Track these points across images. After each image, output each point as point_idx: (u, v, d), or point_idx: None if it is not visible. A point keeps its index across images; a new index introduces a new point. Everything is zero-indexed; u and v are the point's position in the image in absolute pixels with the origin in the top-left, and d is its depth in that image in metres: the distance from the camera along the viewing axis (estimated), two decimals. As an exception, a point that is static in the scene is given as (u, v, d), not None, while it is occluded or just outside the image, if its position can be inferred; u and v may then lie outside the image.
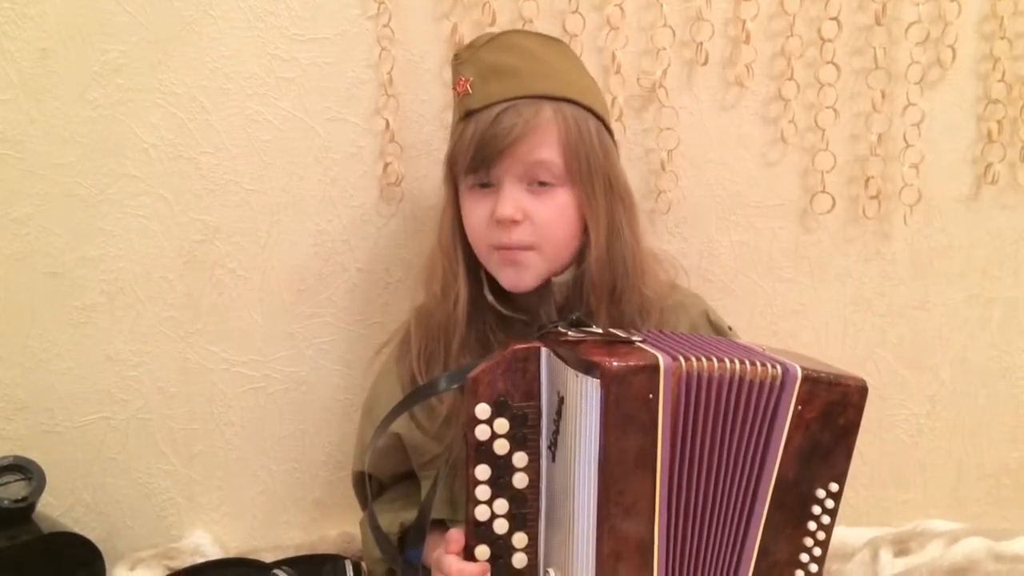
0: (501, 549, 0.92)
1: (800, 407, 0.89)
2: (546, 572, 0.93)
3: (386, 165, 1.28)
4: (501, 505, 0.91)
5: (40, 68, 1.23)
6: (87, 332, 1.30)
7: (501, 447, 0.89)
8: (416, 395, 1.02)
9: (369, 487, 1.14)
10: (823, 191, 1.31)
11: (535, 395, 0.90)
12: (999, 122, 1.30)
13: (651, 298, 1.08)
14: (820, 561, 0.95)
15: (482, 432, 0.89)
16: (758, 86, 1.29)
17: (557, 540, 0.91)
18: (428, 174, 1.29)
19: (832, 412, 0.90)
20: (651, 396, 0.84)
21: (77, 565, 1.20)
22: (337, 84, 1.26)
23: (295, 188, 1.29)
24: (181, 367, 1.32)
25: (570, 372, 0.85)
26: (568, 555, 0.89)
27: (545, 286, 1.06)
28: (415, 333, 1.13)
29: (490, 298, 1.07)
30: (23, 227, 1.26)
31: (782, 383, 0.89)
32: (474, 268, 1.09)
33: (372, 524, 1.04)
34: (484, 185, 1.05)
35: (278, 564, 1.25)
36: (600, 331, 0.92)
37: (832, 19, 1.26)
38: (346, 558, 1.26)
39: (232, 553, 1.33)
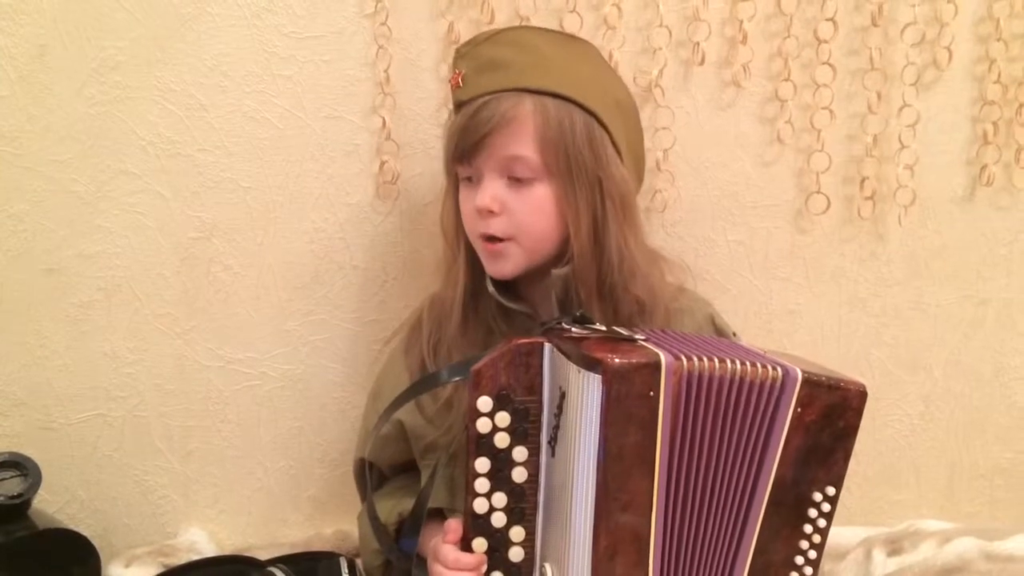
0: (498, 542, 0.92)
1: (800, 409, 0.90)
2: (542, 566, 0.93)
3: (383, 163, 1.29)
4: (500, 499, 0.91)
5: (38, 65, 1.22)
6: (84, 329, 1.29)
7: (502, 441, 0.90)
8: (419, 386, 1.03)
9: (369, 475, 1.14)
10: (819, 191, 1.32)
11: (537, 390, 0.90)
12: (994, 124, 1.31)
13: (649, 300, 1.08)
14: (815, 564, 0.96)
15: (483, 425, 0.89)
16: (755, 86, 1.30)
17: (554, 535, 0.91)
18: (424, 172, 1.29)
19: (831, 415, 0.91)
20: (652, 394, 0.85)
21: (72, 562, 1.19)
22: (334, 82, 1.27)
23: (292, 186, 1.29)
24: (177, 364, 1.32)
25: (572, 367, 0.86)
26: (565, 550, 0.89)
27: (546, 277, 1.07)
28: (427, 317, 1.14)
29: (491, 288, 1.08)
30: (20, 223, 1.26)
31: (782, 385, 0.90)
32: (474, 258, 1.10)
33: (371, 515, 1.04)
34: (470, 177, 1.07)
35: (273, 562, 1.25)
36: (603, 328, 0.93)
37: (828, 20, 1.27)
38: (341, 556, 1.25)
39: (227, 550, 1.33)
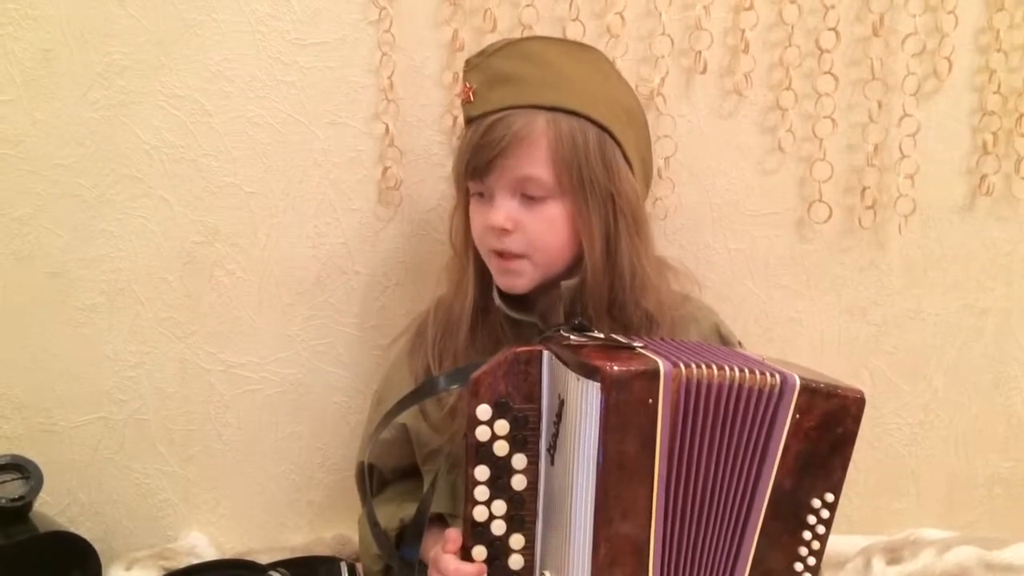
0: (498, 550, 0.92)
1: (798, 416, 0.90)
2: (542, 575, 0.93)
3: (385, 169, 1.29)
4: (499, 506, 0.91)
5: (43, 69, 1.23)
6: (86, 332, 1.30)
7: (501, 448, 0.90)
8: (418, 393, 1.03)
9: (369, 480, 1.14)
10: (820, 200, 1.32)
11: (536, 398, 0.90)
12: (994, 134, 1.32)
13: (657, 312, 1.08)
14: (814, 571, 0.96)
15: (482, 433, 0.89)
16: (756, 95, 1.30)
17: (554, 543, 0.91)
18: (427, 179, 1.30)
19: (830, 422, 0.91)
20: (651, 401, 0.85)
21: (73, 565, 1.19)
22: (338, 88, 1.27)
23: (295, 191, 1.29)
24: (179, 368, 1.32)
25: (571, 375, 0.86)
26: (564, 558, 0.89)
27: (555, 289, 1.07)
28: (433, 321, 1.14)
29: (498, 301, 1.08)
30: (24, 227, 1.26)
31: (780, 392, 0.90)
32: (484, 270, 1.10)
33: (371, 520, 1.04)
34: (481, 192, 1.06)
35: (274, 566, 1.26)
36: (602, 336, 0.93)
37: (830, 30, 1.28)
38: (341, 560, 1.26)
39: (228, 554, 1.34)
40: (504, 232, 1.03)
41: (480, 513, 0.91)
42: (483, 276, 1.10)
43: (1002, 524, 1.44)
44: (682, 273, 1.18)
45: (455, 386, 0.98)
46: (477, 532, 0.92)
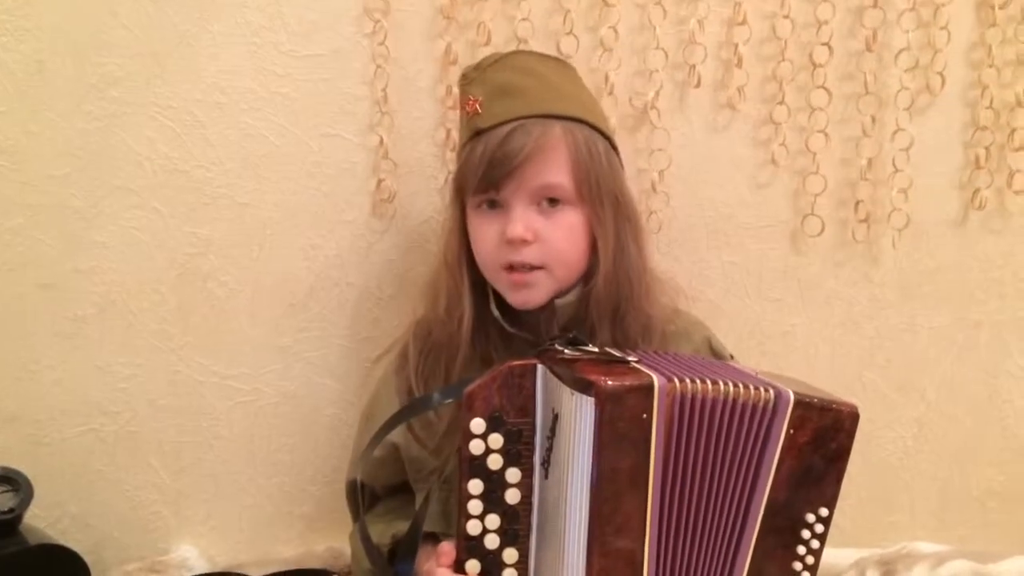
0: (491, 564, 0.92)
1: (792, 431, 0.90)
2: (536, 589, 0.93)
3: (379, 182, 1.29)
4: (493, 520, 0.91)
5: (36, 80, 1.23)
6: (78, 344, 1.29)
7: (495, 462, 0.90)
8: (411, 409, 1.02)
9: (361, 497, 1.13)
10: (813, 214, 1.32)
11: (530, 411, 0.90)
12: (987, 148, 1.32)
13: (654, 319, 1.09)
14: (809, 584, 0.96)
15: (476, 447, 0.89)
16: (750, 109, 1.31)
17: (548, 557, 0.91)
18: (421, 191, 1.30)
19: (824, 437, 0.91)
20: (645, 416, 0.85)
21: (63, 578, 1.19)
22: (332, 100, 1.27)
23: (288, 203, 1.29)
24: (171, 380, 1.32)
25: (565, 390, 0.86)
26: (558, 572, 0.89)
27: (548, 306, 1.06)
28: (413, 347, 1.13)
29: (495, 313, 1.07)
30: (16, 237, 1.26)
31: (775, 407, 0.90)
32: (480, 286, 1.09)
33: (363, 535, 1.04)
34: (493, 204, 1.05)
35: (265, 579, 1.25)
36: (596, 350, 0.93)
37: (823, 45, 1.28)
38: (333, 573, 1.25)
39: (219, 567, 1.33)
40: (523, 243, 1.02)
41: (474, 527, 0.91)
42: (480, 295, 1.09)
43: (996, 538, 1.44)
44: (670, 285, 1.18)
45: (450, 400, 0.98)
46: (471, 546, 0.91)
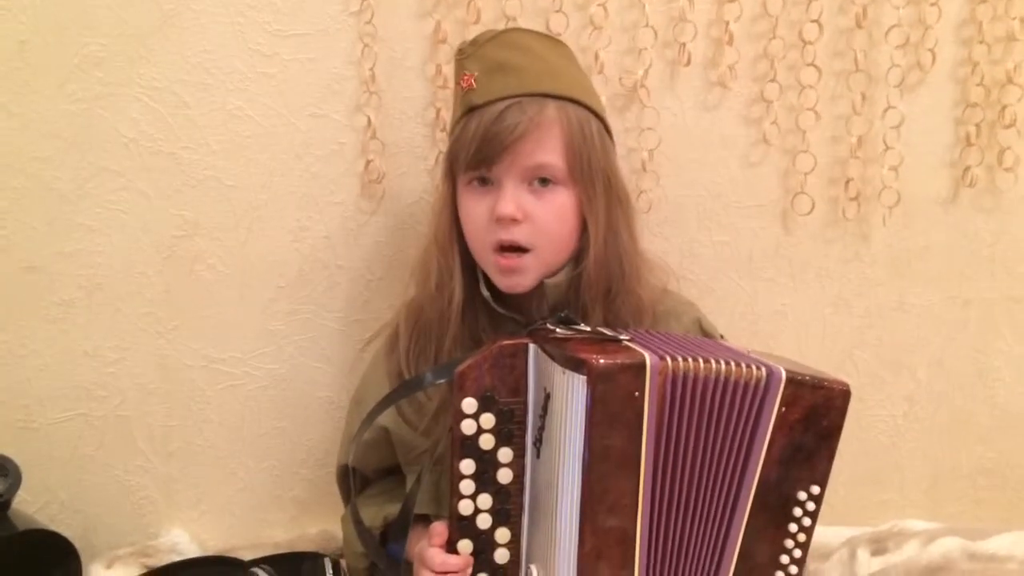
0: (484, 544, 0.92)
1: (784, 409, 0.90)
2: (528, 568, 0.93)
3: (368, 162, 1.28)
4: (485, 500, 0.91)
5: (19, 61, 1.21)
6: (64, 328, 1.28)
7: (487, 442, 0.90)
8: (403, 389, 1.02)
9: (353, 481, 1.13)
10: (803, 192, 1.32)
11: (522, 391, 0.90)
12: (977, 126, 1.32)
13: (645, 300, 1.08)
14: (800, 563, 0.96)
15: (468, 427, 0.89)
16: (740, 87, 1.30)
17: (540, 536, 0.91)
18: (410, 171, 1.29)
19: (815, 415, 0.91)
20: (637, 394, 0.85)
21: (53, 563, 1.18)
22: (319, 80, 1.26)
23: (276, 184, 1.28)
24: (160, 364, 1.31)
25: (557, 368, 0.85)
26: (550, 551, 0.89)
27: (538, 287, 1.05)
28: (404, 328, 1.13)
29: (485, 293, 1.07)
30: (0, 221, 1.24)
31: (766, 385, 0.90)
32: (470, 265, 1.08)
33: (354, 519, 1.04)
34: (484, 181, 1.04)
35: (257, 562, 1.25)
36: (588, 329, 0.93)
37: (813, 22, 1.27)
38: (325, 556, 1.25)
39: (210, 551, 1.33)
40: (513, 222, 1.01)
41: (466, 507, 0.91)
42: (469, 273, 1.08)
43: (986, 515, 1.45)
44: (658, 266, 1.18)
45: (442, 380, 0.97)
46: (463, 526, 0.91)
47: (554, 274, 1.06)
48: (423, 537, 0.96)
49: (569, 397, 0.84)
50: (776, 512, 0.93)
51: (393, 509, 1.06)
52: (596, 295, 1.06)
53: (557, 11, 1.25)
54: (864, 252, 1.36)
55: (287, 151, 1.27)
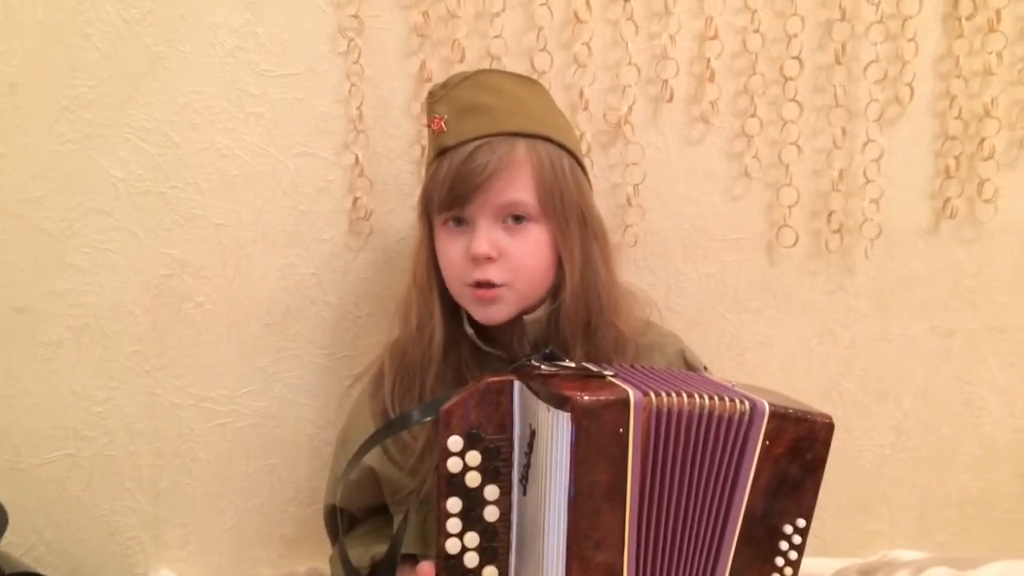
0: (472, 583, 0.92)
1: (768, 442, 0.90)
2: (516, 606, 0.93)
3: (355, 199, 1.29)
4: (472, 538, 0.91)
5: (8, 103, 1.22)
6: (53, 368, 1.28)
7: (473, 480, 0.90)
8: (389, 428, 1.02)
9: (340, 521, 1.13)
10: (787, 225, 1.33)
11: (508, 428, 0.90)
12: (956, 158, 1.34)
13: (626, 333, 1.09)
14: (788, 596, 0.96)
15: (454, 464, 0.89)
16: (722, 123, 1.32)
17: (527, 573, 0.91)
18: (397, 208, 1.30)
19: (799, 448, 0.91)
20: (621, 430, 0.85)
21: (39, 605, 1.18)
22: (306, 119, 1.27)
23: (264, 222, 1.29)
24: (148, 402, 1.31)
25: (542, 406, 0.86)
26: (538, 589, 0.89)
27: (518, 323, 1.06)
28: (389, 368, 1.13)
29: (470, 331, 1.07)
30: (-11, 261, 1.25)
31: (750, 418, 0.90)
32: (450, 304, 1.09)
33: (342, 559, 1.03)
34: (459, 221, 1.05)
35: (246, 602, 1.24)
36: (573, 365, 0.93)
37: (794, 58, 1.29)
38: (315, 595, 1.25)
39: (199, 591, 1.32)
40: (488, 260, 1.03)
41: (453, 545, 0.90)
42: (450, 312, 1.09)
43: (975, 544, 1.45)
44: (641, 298, 1.19)
45: (428, 418, 0.97)
46: (450, 565, 0.91)
47: (533, 310, 1.07)
48: (410, 576, 0.96)
49: (554, 434, 0.85)
50: (762, 545, 0.93)
51: (380, 549, 1.06)
52: (576, 329, 1.06)
53: (541, 50, 1.26)
54: (848, 283, 1.37)
55: (275, 189, 1.28)
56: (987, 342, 1.41)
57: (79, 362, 1.29)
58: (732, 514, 0.91)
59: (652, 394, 0.87)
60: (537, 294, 1.07)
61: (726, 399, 0.90)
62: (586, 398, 0.83)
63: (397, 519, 1.09)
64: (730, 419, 0.90)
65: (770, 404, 0.90)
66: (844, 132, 1.32)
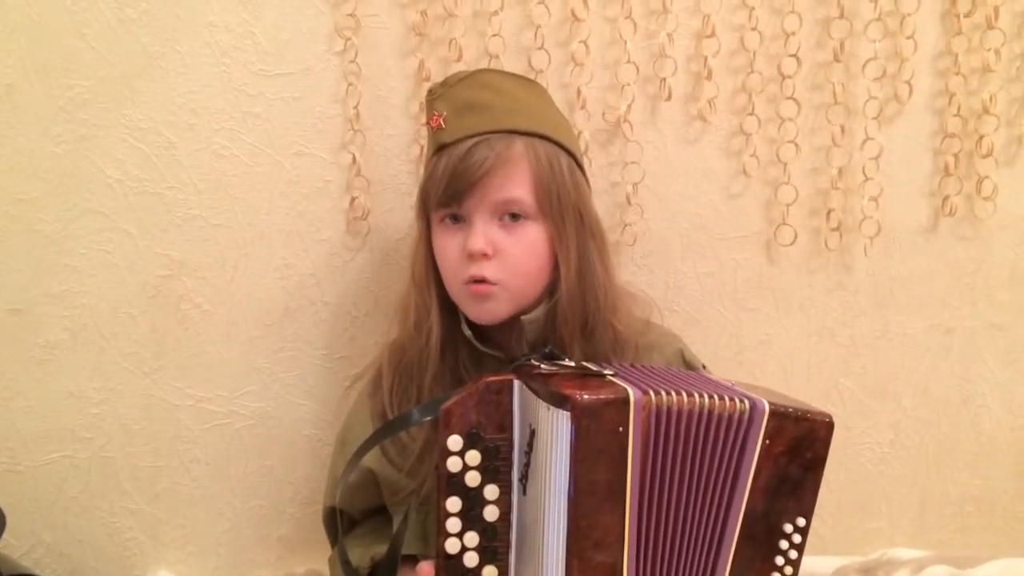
0: (471, 583, 0.92)
1: (768, 441, 0.90)
2: (516, 606, 0.93)
3: (353, 199, 1.29)
4: (472, 538, 0.90)
5: (4, 104, 1.22)
6: (50, 370, 1.28)
7: (473, 479, 0.89)
8: (388, 428, 1.02)
9: (340, 522, 1.12)
10: (785, 223, 1.33)
11: (507, 427, 0.90)
12: (955, 156, 1.33)
13: (624, 333, 1.09)
14: (788, 595, 0.96)
15: (454, 464, 0.89)
16: (721, 121, 1.31)
17: (527, 573, 0.91)
18: (395, 208, 1.30)
19: (799, 446, 0.91)
20: (621, 429, 0.85)
21: (37, 608, 1.17)
22: (304, 119, 1.27)
23: (262, 222, 1.28)
24: (145, 404, 1.30)
25: (542, 405, 0.86)
26: (538, 589, 0.88)
27: (515, 323, 1.06)
28: (387, 368, 1.13)
29: (467, 332, 1.07)
30: (-15, 263, 1.25)
31: (750, 417, 0.90)
32: (448, 303, 1.09)
33: (342, 560, 1.03)
34: (456, 219, 1.05)
35: (244, 603, 1.24)
36: (572, 364, 0.93)
37: (792, 56, 1.29)
38: (314, 596, 1.24)
39: (197, 593, 1.32)
40: (483, 257, 1.02)
41: (452, 545, 0.90)
42: (448, 311, 1.09)
43: (974, 542, 1.45)
44: (641, 299, 1.19)
45: (428, 418, 0.97)
46: (450, 565, 0.91)
47: (531, 309, 1.07)
48: (410, 576, 0.96)
49: (554, 433, 0.84)
50: (762, 544, 0.93)
51: (380, 549, 1.06)
52: (572, 329, 1.06)
53: (539, 48, 1.26)
54: (847, 281, 1.37)
55: (273, 189, 1.28)
56: (986, 340, 1.40)
57: (76, 364, 1.28)
58: (732, 513, 0.91)
59: (652, 393, 0.87)
60: (532, 293, 1.07)
61: (726, 398, 0.90)
62: (586, 397, 0.83)
63: (396, 520, 1.09)
64: (730, 418, 0.90)
65: (770, 403, 0.90)
66: (843, 130, 1.32)
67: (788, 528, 0.93)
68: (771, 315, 1.38)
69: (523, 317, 1.06)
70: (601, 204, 1.28)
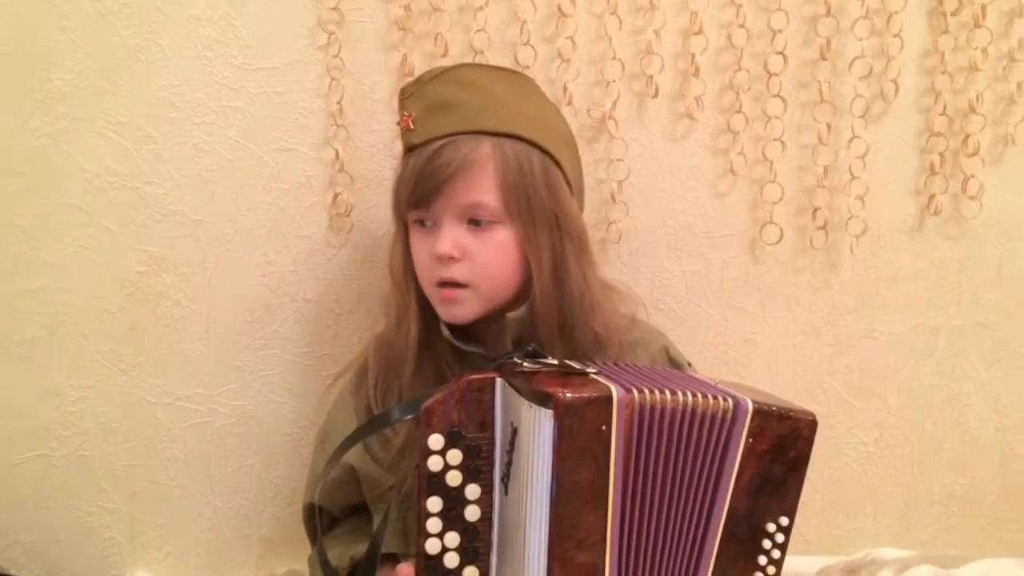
0: (452, 584, 0.90)
1: (751, 440, 0.90)
2: (498, 607, 0.92)
3: (336, 195, 1.27)
4: (452, 538, 0.89)
5: (-20, 96, 1.20)
6: (26, 367, 1.26)
7: (454, 479, 0.88)
8: (369, 426, 1.00)
9: (319, 520, 1.11)
10: (772, 222, 1.33)
11: (489, 426, 0.89)
12: (941, 154, 1.33)
13: (605, 334, 1.08)
14: (771, 594, 0.95)
15: (435, 463, 0.88)
16: (707, 119, 1.31)
17: (509, 574, 0.90)
18: (378, 204, 1.28)
19: (783, 445, 0.91)
20: (604, 428, 0.84)
21: (13, 609, 1.16)
22: (286, 114, 1.26)
23: (243, 218, 1.27)
24: (123, 402, 1.29)
25: (524, 403, 0.85)
26: (520, 590, 0.87)
27: (500, 320, 1.05)
28: (373, 362, 1.12)
29: (446, 332, 1.07)
30: (-40, 258, 1.23)
31: (733, 416, 0.89)
32: (426, 302, 1.08)
33: (321, 559, 1.02)
34: (423, 222, 1.05)
35: (224, 604, 1.22)
36: (555, 362, 0.92)
37: (778, 54, 1.29)
38: (294, 596, 1.23)
39: (176, 593, 1.30)
40: (451, 260, 1.02)
41: (433, 546, 0.89)
42: (426, 309, 1.08)
43: (959, 541, 1.45)
44: (627, 296, 1.17)
45: (408, 416, 0.96)
46: (430, 565, 0.89)
47: (510, 308, 1.06)
48: (390, 577, 0.95)
49: (536, 432, 0.83)
50: (745, 544, 0.92)
51: (360, 549, 1.05)
52: (551, 330, 1.05)
53: (525, 44, 1.25)
54: (833, 280, 1.37)
55: (254, 185, 1.26)
56: (971, 339, 1.40)
57: (53, 361, 1.27)
58: (715, 512, 0.90)
59: (635, 391, 0.86)
60: (504, 295, 1.06)
61: (709, 396, 0.89)
62: (569, 395, 0.82)
63: (377, 518, 1.07)
64: (713, 416, 0.89)
65: (753, 401, 0.89)
66: (829, 128, 1.31)
67: (771, 527, 0.92)
68: (757, 314, 1.37)
69: (508, 314, 1.05)
70: (586, 201, 1.27)
